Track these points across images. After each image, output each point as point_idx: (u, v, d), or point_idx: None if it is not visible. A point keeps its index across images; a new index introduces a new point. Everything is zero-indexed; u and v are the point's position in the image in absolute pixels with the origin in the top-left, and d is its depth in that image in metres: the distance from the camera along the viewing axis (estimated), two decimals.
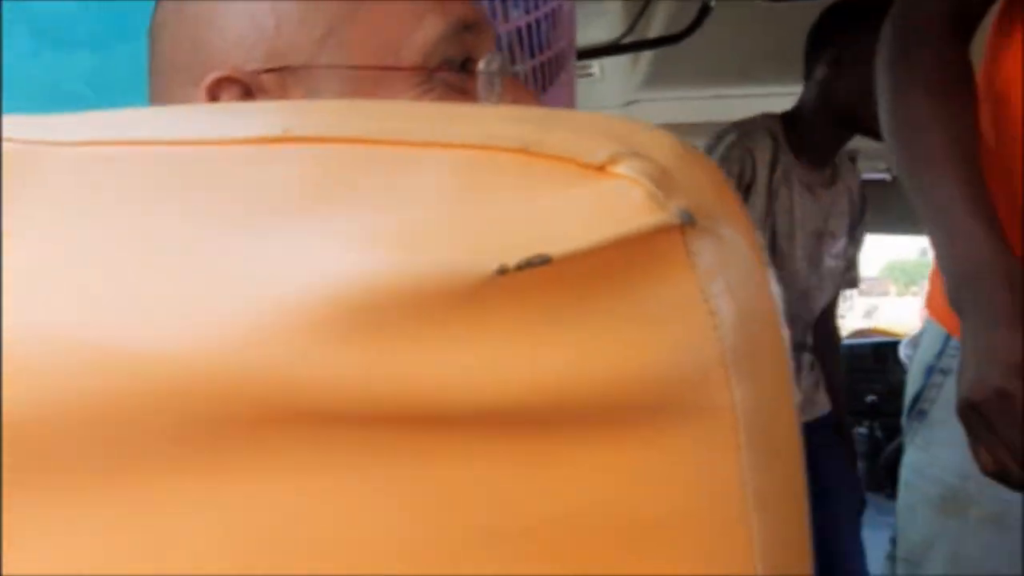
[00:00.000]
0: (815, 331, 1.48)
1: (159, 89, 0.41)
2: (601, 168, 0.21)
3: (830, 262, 1.34)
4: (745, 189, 1.23)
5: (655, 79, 2.10)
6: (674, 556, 0.21)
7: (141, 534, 0.21)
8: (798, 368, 1.39)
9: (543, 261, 0.20)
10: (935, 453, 0.75)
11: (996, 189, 0.60)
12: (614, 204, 0.21)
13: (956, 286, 0.59)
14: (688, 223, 0.21)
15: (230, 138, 0.23)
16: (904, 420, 0.80)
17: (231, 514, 0.21)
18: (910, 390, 0.80)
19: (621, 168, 0.21)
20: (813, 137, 1.25)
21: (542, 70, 0.96)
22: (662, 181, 0.21)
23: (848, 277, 1.45)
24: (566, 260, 0.20)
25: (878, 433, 3.30)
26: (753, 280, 0.23)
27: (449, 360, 0.20)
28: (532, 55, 0.94)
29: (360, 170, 0.22)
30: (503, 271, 0.20)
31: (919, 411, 0.76)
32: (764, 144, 1.23)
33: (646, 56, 1.98)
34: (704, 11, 1.60)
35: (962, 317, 0.60)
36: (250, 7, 0.38)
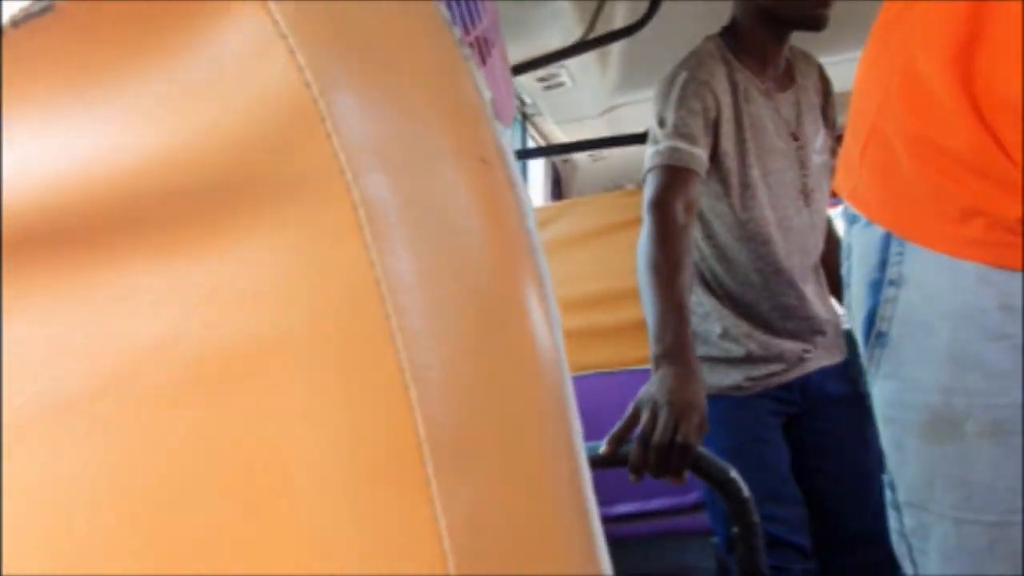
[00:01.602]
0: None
1: None
2: None
3: (817, 159, 1.27)
4: (714, 124, 1.17)
5: (629, 83, 2.07)
6: (299, 382, 0.16)
7: None
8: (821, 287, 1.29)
9: (44, 9, 0.16)
10: (908, 375, 0.62)
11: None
12: None
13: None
14: None
15: None
16: (863, 353, 0.67)
17: None
18: (858, 316, 0.67)
19: None
20: (754, 43, 1.21)
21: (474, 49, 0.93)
22: None
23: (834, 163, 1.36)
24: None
25: None
26: (366, 30, 0.18)
27: None
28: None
29: None
30: (15, 23, 0.16)
31: (877, 334, 0.64)
32: (718, 71, 1.18)
33: (615, 60, 1.94)
34: (656, 0, 1.57)
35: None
36: None
